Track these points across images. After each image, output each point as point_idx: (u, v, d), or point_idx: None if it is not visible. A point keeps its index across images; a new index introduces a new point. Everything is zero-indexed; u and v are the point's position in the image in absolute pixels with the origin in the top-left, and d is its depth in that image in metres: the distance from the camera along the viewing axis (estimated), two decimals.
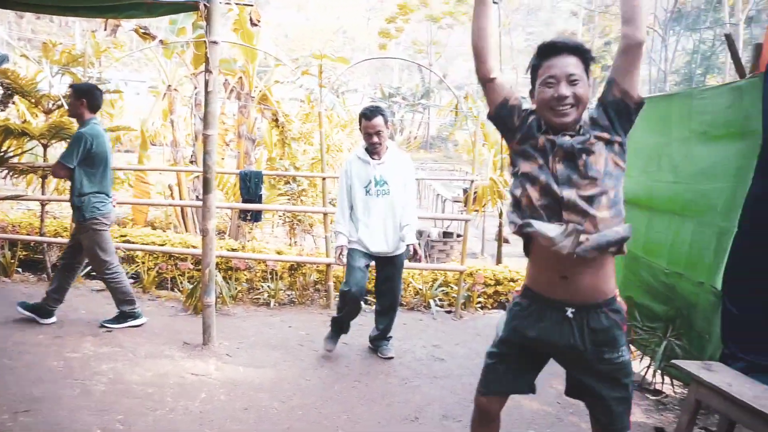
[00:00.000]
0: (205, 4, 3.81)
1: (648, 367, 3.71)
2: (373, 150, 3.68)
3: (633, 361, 3.91)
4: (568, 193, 1.72)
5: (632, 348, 4.06)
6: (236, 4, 4.20)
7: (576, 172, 1.74)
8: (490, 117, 1.93)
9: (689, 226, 3.66)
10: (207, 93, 3.89)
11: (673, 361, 2.87)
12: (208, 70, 3.88)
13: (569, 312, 1.78)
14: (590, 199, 1.72)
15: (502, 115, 1.86)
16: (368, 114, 3.61)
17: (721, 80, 25.57)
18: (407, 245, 3.70)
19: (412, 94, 28.43)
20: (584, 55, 1.78)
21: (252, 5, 4.49)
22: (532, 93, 1.86)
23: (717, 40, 29.67)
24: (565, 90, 1.72)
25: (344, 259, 3.74)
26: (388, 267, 3.84)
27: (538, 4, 40.93)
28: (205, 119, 3.94)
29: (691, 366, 2.64)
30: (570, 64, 1.75)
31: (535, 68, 1.83)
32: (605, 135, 1.78)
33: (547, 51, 1.78)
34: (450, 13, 29.72)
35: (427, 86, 31.08)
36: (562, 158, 1.76)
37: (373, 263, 3.83)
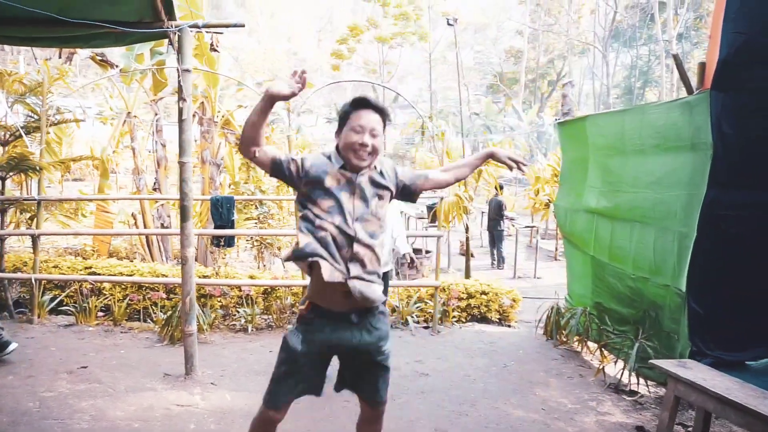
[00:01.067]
0: (176, 33, 3.83)
1: (623, 369, 3.89)
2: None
3: (608, 364, 4.14)
4: (359, 228, 2.04)
5: (605, 352, 4.26)
6: (207, 32, 4.21)
7: (368, 210, 2.08)
8: (271, 176, 2.17)
9: (651, 232, 3.90)
10: (181, 121, 3.89)
11: (651, 361, 3.05)
12: (182, 98, 3.87)
13: (354, 318, 2.08)
14: (374, 235, 2.07)
15: (280, 172, 2.08)
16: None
17: (659, 93, 27.11)
18: (403, 254, 3.87)
19: None
20: (385, 116, 2.11)
21: (222, 32, 4.50)
22: (338, 133, 2.12)
23: (652, 55, 31.50)
24: (368, 140, 2.03)
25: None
26: None
27: (485, 23, 42.34)
28: (180, 147, 3.91)
29: (668, 364, 2.82)
30: (375, 120, 2.07)
31: (346, 114, 2.10)
32: (391, 190, 2.18)
33: (360, 104, 2.08)
34: (399, 33, 30.37)
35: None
36: (359, 196, 2.07)
37: None
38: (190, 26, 3.84)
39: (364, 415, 2.29)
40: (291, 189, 3.57)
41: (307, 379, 2.17)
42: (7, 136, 5.36)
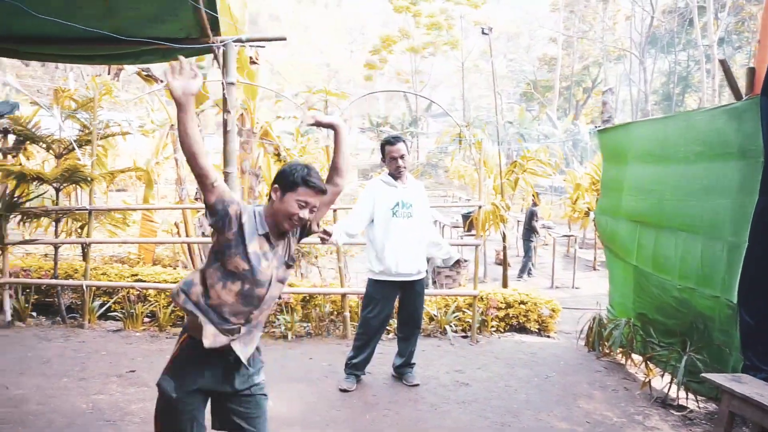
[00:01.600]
0: (221, 48, 3.96)
1: (670, 383, 3.79)
2: (397, 174, 3.84)
3: (654, 377, 4.03)
4: (269, 293, 2.07)
5: (650, 365, 4.16)
6: (251, 46, 4.34)
7: (283, 276, 2.12)
8: (209, 207, 2.02)
9: (698, 242, 3.80)
10: (225, 132, 4.01)
11: (703, 374, 2.97)
12: (226, 110, 4.00)
13: (232, 358, 2.07)
14: (273, 299, 2.13)
15: (219, 210, 1.98)
16: (392, 141, 3.84)
17: (699, 99, 26.36)
18: (456, 260, 4.02)
19: (400, 123, 28.84)
20: (324, 193, 2.10)
21: (264, 46, 4.64)
22: (277, 194, 2.06)
23: (691, 60, 30.70)
24: (306, 215, 2.06)
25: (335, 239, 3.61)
26: (410, 293, 3.93)
27: (517, 32, 42.06)
28: (224, 158, 4.04)
29: (721, 379, 2.74)
30: (316, 197, 2.06)
31: (295, 184, 2.03)
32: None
33: (306, 181, 2.03)
34: (431, 43, 30.49)
35: (414, 114, 31.58)
36: (279, 265, 2.10)
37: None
38: (235, 41, 3.97)
39: None
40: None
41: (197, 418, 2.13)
42: (61, 149, 5.62)
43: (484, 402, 3.77)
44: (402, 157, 3.81)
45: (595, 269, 10.83)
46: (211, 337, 1.98)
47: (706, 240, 3.73)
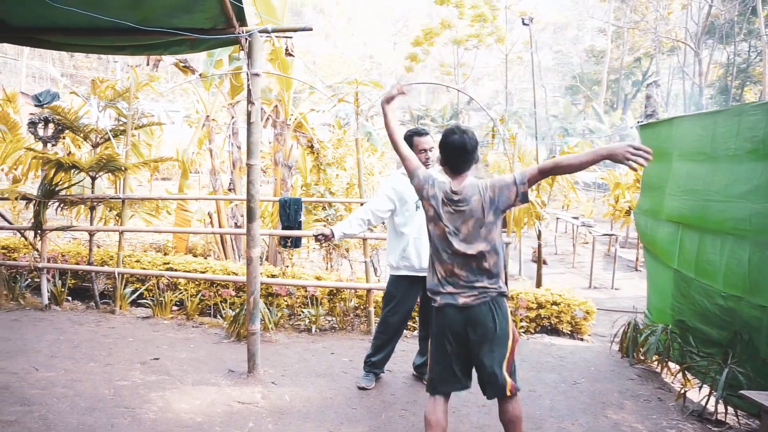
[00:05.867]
0: (246, 39, 3.92)
1: (708, 395, 3.54)
2: (424, 166, 3.72)
3: (691, 389, 3.78)
4: None
5: (688, 375, 3.90)
6: (277, 37, 4.29)
7: None
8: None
9: (746, 247, 3.52)
10: (249, 123, 3.98)
11: (741, 392, 2.74)
12: (250, 102, 3.97)
13: None
14: None
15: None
16: (421, 132, 3.74)
17: (760, 92, 24.89)
18: None
19: (441, 116, 28.51)
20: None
21: (291, 37, 4.58)
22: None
23: (752, 51, 29.01)
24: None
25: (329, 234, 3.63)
26: None
27: (565, 23, 40.82)
28: (248, 149, 4.01)
29: (762, 397, 2.51)
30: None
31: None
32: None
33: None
34: (475, 35, 29.91)
35: (455, 107, 31.17)
36: None
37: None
38: (260, 31, 3.92)
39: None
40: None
41: None
42: (98, 138, 5.76)
43: None
44: (431, 149, 3.71)
45: (637, 270, 10.39)
46: None
47: (754, 245, 3.45)
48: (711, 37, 29.53)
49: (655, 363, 4.43)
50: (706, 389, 3.63)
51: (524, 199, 2.52)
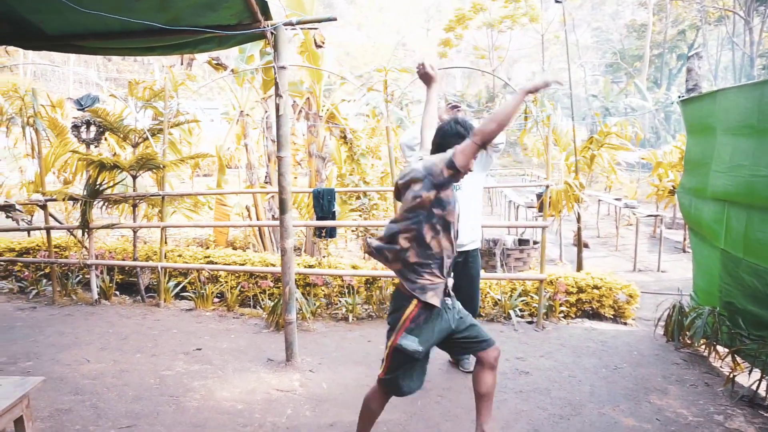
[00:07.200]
0: (271, 32, 3.95)
1: (759, 380, 3.38)
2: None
3: (741, 373, 3.62)
4: None
5: (738, 359, 3.74)
6: (301, 29, 4.31)
7: None
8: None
9: None
10: (278, 116, 4.02)
11: None
12: (278, 95, 4.01)
13: None
14: None
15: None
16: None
17: None
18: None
19: (477, 101, 28.10)
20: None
21: (317, 29, 4.59)
22: None
23: None
24: None
25: None
26: (464, 270, 3.80)
27: None
28: (278, 142, 4.06)
29: None
30: None
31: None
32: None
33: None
34: (509, 16, 29.25)
35: (491, 92, 30.64)
36: None
37: None
38: (285, 24, 3.95)
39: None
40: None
41: None
42: (136, 138, 5.95)
43: (544, 392, 3.57)
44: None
45: (685, 251, 10.00)
46: None
47: None
48: (763, 3, 27.83)
49: (702, 347, 4.27)
50: (757, 373, 3.47)
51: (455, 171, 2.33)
